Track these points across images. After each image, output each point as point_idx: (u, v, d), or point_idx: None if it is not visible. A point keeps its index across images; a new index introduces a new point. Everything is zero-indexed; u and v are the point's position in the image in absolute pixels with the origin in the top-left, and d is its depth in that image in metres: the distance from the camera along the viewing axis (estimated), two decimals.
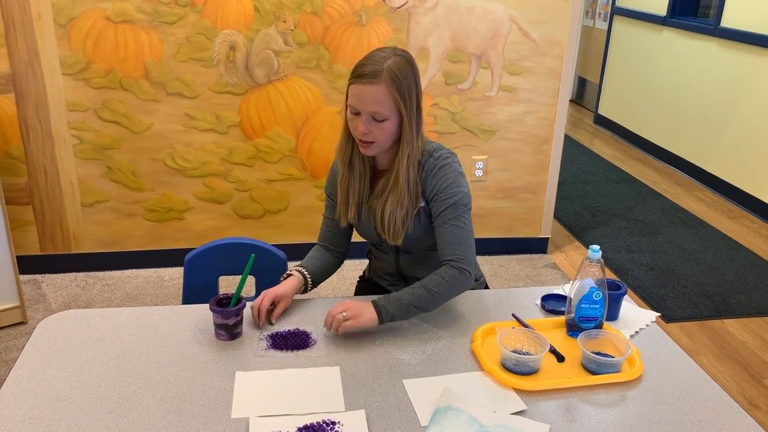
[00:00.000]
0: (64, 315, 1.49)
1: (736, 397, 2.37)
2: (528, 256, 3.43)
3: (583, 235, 3.72)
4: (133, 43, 2.77)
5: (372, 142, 1.47)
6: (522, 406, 1.22)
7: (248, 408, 1.20)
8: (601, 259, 1.41)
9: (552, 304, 1.58)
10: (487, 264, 3.29)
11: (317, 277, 1.61)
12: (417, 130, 1.50)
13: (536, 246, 3.45)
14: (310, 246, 1.70)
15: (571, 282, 1.45)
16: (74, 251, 3.06)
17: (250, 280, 1.67)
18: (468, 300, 1.58)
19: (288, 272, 1.57)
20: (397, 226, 1.53)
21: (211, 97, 2.91)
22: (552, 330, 1.48)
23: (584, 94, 6.81)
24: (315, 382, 1.28)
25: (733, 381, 2.47)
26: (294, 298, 1.55)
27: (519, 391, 1.27)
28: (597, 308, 1.42)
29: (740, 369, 2.55)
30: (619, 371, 1.33)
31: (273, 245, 1.84)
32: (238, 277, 1.46)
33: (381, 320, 1.42)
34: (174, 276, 3.08)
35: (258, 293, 1.81)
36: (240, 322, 1.41)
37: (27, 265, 2.99)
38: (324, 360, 1.35)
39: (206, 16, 2.78)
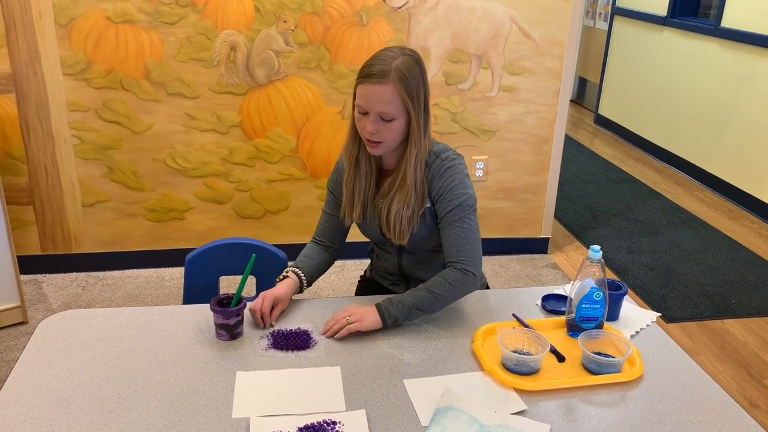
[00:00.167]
0: (64, 315, 1.49)
1: (737, 397, 2.38)
2: (528, 256, 3.43)
3: (583, 235, 3.72)
4: (134, 44, 2.77)
5: (380, 142, 1.47)
6: (522, 406, 1.22)
7: (249, 408, 1.20)
8: (602, 259, 1.41)
9: (552, 304, 1.58)
10: (487, 264, 3.30)
11: (312, 277, 1.62)
12: (425, 129, 1.50)
13: (537, 246, 3.45)
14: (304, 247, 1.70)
15: (572, 282, 1.45)
16: (75, 251, 3.06)
17: (251, 280, 1.67)
18: (469, 300, 1.58)
19: (284, 274, 1.57)
20: (403, 226, 1.53)
21: (211, 98, 2.91)
22: (552, 330, 1.48)
23: (584, 95, 6.81)
24: (316, 382, 1.28)
25: (734, 381, 2.47)
26: (293, 298, 1.55)
27: (519, 391, 1.27)
28: (597, 308, 1.42)
29: (740, 369, 2.55)
30: (619, 371, 1.33)
31: (273, 245, 1.84)
32: (239, 277, 1.46)
33: (384, 323, 1.42)
34: (175, 276, 3.09)
35: (258, 293, 1.81)
36: (241, 322, 1.42)
37: (28, 265, 3.00)
38: (324, 360, 1.35)
39: (207, 16, 2.78)
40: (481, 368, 1.33)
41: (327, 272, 1.71)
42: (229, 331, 1.40)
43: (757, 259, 3.47)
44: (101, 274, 3.08)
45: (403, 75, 1.42)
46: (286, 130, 3.02)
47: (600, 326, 1.44)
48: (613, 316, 1.53)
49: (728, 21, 4.30)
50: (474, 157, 3.20)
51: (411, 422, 1.18)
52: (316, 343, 1.41)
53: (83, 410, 1.18)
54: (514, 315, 1.51)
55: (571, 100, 6.78)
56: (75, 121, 2.84)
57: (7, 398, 1.21)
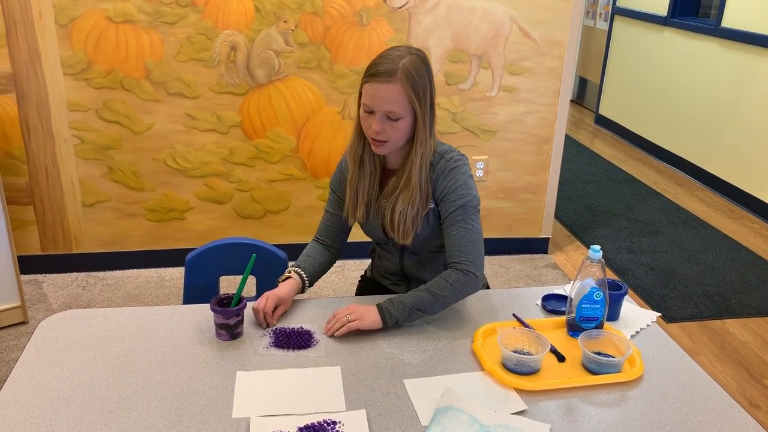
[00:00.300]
0: (65, 315, 1.49)
1: (737, 397, 2.37)
2: (529, 256, 3.43)
3: (583, 235, 3.72)
4: (134, 44, 2.77)
5: (385, 141, 1.47)
6: (523, 406, 1.22)
7: (249, 408, 1.20)
8: (602, 259, 1.41)
9: (553, 304, 1.58)
10: (487, 264, 3.30)
11: (314, 277, 1.62)
12: (430, 129, 1.50)
13: (537, 246, 3.45)
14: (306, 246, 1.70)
15: (572, 282, 1.45)
16: (75, 251, 3.06)
17: (251, 280, 1.67)
18: (469, 300, 1.58)
19: (286, 274, 1.57)
20: (407, 226, 1.53)
21: (211, 97, 2.91)
22: (553, 330, 1.48)
23: (585, 95, 6.81)
24: (316, 382, 1.28)
25: (734, 381, 2.47)
26: (294, 298, 1.56)
27: (520, 391, 1.27)
28: (598, 308, 1.42)
29: (741, 369, 2.55)
30: (619, 371, 1.33)
31: (274, 245, 1.84)
32: (239, 277, 1.46)
33: (385, 324, 1.42)
34: (175, 276, 3.09)
35: (259, 293, 1.82)
36: (241, 322, 1.42)
37: (28, 265, 3.00)
38: (325, 360, 1.35)
39: (207, 16, 2.78)
40: (482, 368, 1.33)
41: (327, 272, 1.71)
42: (229, 331, 1.40)
43: (757, 259, 3.47)
44: (101, 274, 3.08)
45: (410, 74, 1.42)
46: (287, 130, 3.03)
47: (600, 326, 1.44)
48: (613, 316, 1.53)
49: (728, 21, 4.30)
50: (474, 157, 3.20)
51: (411, 422, 1.18)
52: (317, 342, 1.41)
53: (83, 410, 1.18)
54: (514, 315, 1.51)
55: (571, 100, 6.78)
56: (75, 121, 2.85)
57: (7, 398, 1.21)
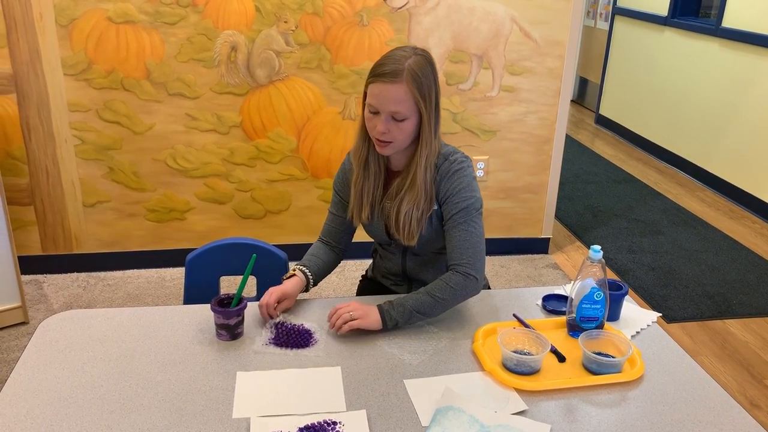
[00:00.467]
0: (65, 315, 1.49)
1: (738, 397, 2.37)
2: (529, 256, 3.43)
3: (584, 235, 3.72)
4: (135, 44, 2.77)
5: (390, 142, 1.47)
6: (523, 407, 1.22)
7: (249, 408, 1.20)
8: (602, 260, 1.41)
9: (553, 304, 1.58)
10: (488, 264, 3.29)
11: (318, 276, 1.62)
12: (435, 130, 1.50)
13: (537, 246, 3.45)
14: (311, 246, 1.70)
15: (572, 282, 1.45)
16: (76, 251, 3.06)
17: (252, 281, 1.67)
18: (469, 300, 1.58)
19: (291, 272, 1.57)
20: (412, 227, 1.53)
21: (212, 98, 2.91)
22: (553, 330, 1.48)
23: (585, 95, 6.80)
24: (316, 382, 1.28)
25: (735, 381, 2.47)
26: (296, 298, 1.56)
27: (520, 392, 1.27)
28: (598, 308, 1.42)
29: (741, 369, 2.54)
30: (620, 371, 1.33)
31: (274, 245, 1.84)
32: (240, 278, 1.46)
33: (385, 326, 1.42)
34: (175, 276, 3.09)
35: (259, 293, 1.82)
36: (241, 322, 1.42)
37: (28, 265, 3.00)
38: (325, 360, 1.35)
39: (207, 16, 2.78)
40: (482, 368, 1.33)
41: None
42: (229, 331, 1.40)
43: (758, 259, 3.46)
44: (102, 274, 3.08)
45: (416, 74, 1.42)
46: (287, 130, 3.03)
47: (600, 326, 1.44)
48: (613, 316, 1.53)
49: (729, 21, 4.30)
50: (475, 158, 3.20)
51: (411, 422, 1.18)
52: (316, 342, 1.41)
53: (84, 410, 1.18)
54: (514, 315, 1.51)
55: (572, 100, 6.79)
56: (76, 121, 2.85)
57: (7, 398, 1.21)
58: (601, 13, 6.20)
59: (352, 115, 3.04)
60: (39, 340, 1.39)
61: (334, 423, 1.16)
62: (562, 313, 1.53)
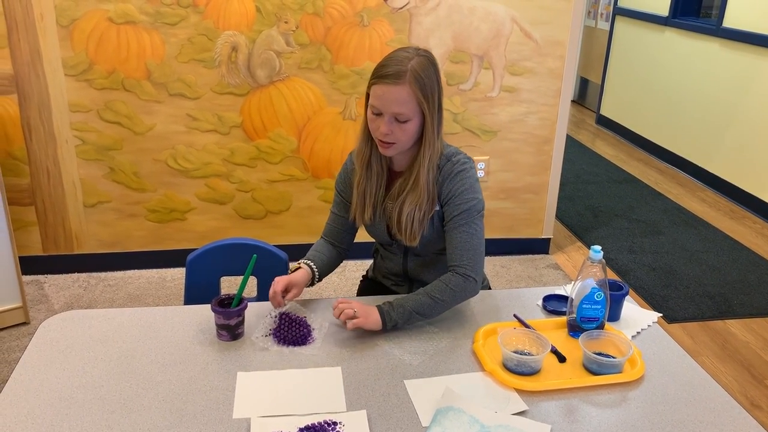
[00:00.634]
0: (66, 315, 1.49)
1: (738, 397, 2.37)
2: (530, 256, 3.43)
3: (585, 235, 3.72)
4: (135, 44, 2.77)
5: (393, 143, 1.47)
6: (523, 407, 1.22)
7: (250, 408, 1.20)
8: (603, 260, 1.41)
9: (553, 304, 1.58)
10: (489, 264, 3.29)
11: (323, 271, 1.62)
12: (438, 131, 1.50)
13: (538, 246, 3.45)
14: (311, 246, 1.70)
15: (573, 282, 1.45)
16: (76, 252, 3.06)
17: (252, 281, 1.67)
18: (470, 300, 1.58)
19: (296, 265, 1.57)
20: (415, 228, 1.53)
21: (212, 98, 2.91)
22: (553, 330, 1.48)
23: (586, 95, 6.80)
24: (316, 383, 1.28)
25: (735, 381, 2.47)
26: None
27: (520, 392, 1.27)
28: (598, 309, 1.42)
29: (742, 369, 2.54)
30: (620, 372, 1.33)
31: (275, 246, 1.84)
32: (240, 278, 1.46)
33: (384, 326, 1.42)
34: (176, 276, 3.09)
35: (260, 294, 1.82)
36: (242, 322, 1.42)
37: (29, 265, 3.00)
38: (325, 360, 1.35)
39: (208, 17, 2.78)
40: (482, 369, 1.33)
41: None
42: (230, 331, 1.40)
43: (759, 260, 3.46)
44: (103, 274, 3.09)
45: (418, 76, 1.42)
46: (288, 130, 3.03)
47: (601, 327, 1.44)
48: (614, 316, 1.53)
49: (730, 21, 4.30)
50: (475, 158, 3.20)
51: (412, 423, 1.18)
52: (314, 340, 1.41)
53: (84, 410, 1.18)
54: (515, 315, 1.51)
55: (572, 101, 6.78)
56: (77, 121, 2.85)
57: (8, 398, 1.21)
58: (601, 14, 6.20)
59: (353, 115, 3.04)
60: (40, 340, 1.39)
61: (335, 423, 1.16)
62: (563, 313, 1.53)
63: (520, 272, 3.26)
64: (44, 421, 1.15)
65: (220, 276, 1.84)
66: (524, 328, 1.44)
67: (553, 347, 1.37)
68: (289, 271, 1.55)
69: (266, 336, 1.41)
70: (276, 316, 1.45)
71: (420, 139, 1.50)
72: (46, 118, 2.82)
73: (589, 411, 1.23)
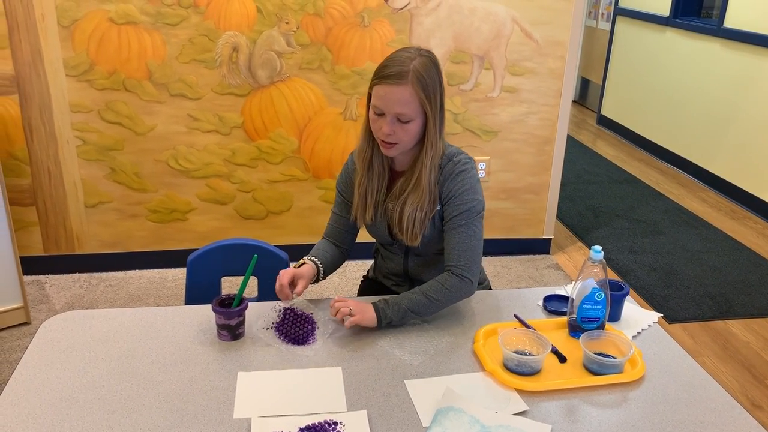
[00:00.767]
0: (67, 315, 1.49)
1: (739, 397, 2.37)
2: (530, 256, 3.43)
3: (585, 235, 3.72)
4: (136, 45, 2.78)
5: (395, 143, 1.47)
6: (524, 407, 1.22)
7: (250, 408, 1.20)
8: (603, 260, 1.41)
9: (554, 304, 1.58)
10: (489, 265, 3.29)
11: (327, 268, 1.61)
12: (440, 131, 1.50)
13: (539, 247, 3.45)
14: (312, 247, 1.70)
15: (574, 283, 1.45)
16: (78, 252, 3.07)
17: (253, 281, 1.68)
18: (470, 301, 1.58)
19: (301, 261, 1.56)
20: (416, 228, 1.53)
21: (213, 99, 2.91)
22: (554, 331, 1.48)
23: (587, 95, 6.80)
24: (317, 383, 1.28)
25: (736, 382, 2.47)
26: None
27: (521, 392, 1.27)
28: (599, 309, 1.42)
29: (743, 370, 2.54)
30: (621, 372, 1.33)
31: (275, 246, 1.84)
32: (241, 278, 1.46)
33: (379, 323, 1.43)
34: (177, 277, 3.09)
35: (260, 294, 1.82)
36: (242, 322, 1.42)
37: (31, 265, 3.00)
38: (326, 360, 1.35)
39: (209, 17, 2.79)
40: (483, 369, 1.33)
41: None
42: (230, 331, 1.40)
43: (759, 260, 3.46)
44: (104, 274, 3.09)
45: (421, 76, 1.42)
46: (288, 131, 3.03)
47: (601, 327, 1.44)
48: (614, 316, 1.53)
49: (731, 21, 4.30)
50: (476, 158, 3.19)
51: (412, 423, 1.18)
52: (314, 341, 1.41)
53: (85, 410, 1.18)
54: (515, 315, 1.51)
55: (573, 101, 6.79)
56: (78, 122, 2.85)
57: (9, 398, 1.21)
58: (602, 14, 6.20)
59: (354, 115, 3.05)
60: (41, 340, 1.40)
61: (335, 423, 1.16)
62: (563, 313, 1.53)
63: (520, 272, 3.26)
64: (45, 421, 1.16)
65: (220, 276, 1.84)
66: (525, 328, 1.44)
67: (553, 347, 1.37)
68: (295, 266, 1.54)
69: (267, 329, 1.41)
70: (281, 311, 1.45)
71: (422, 139, 1.50)
72: (47, 119, 2.82)
73: (590, 411, 1.23)
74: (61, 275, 3.07)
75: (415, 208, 1.52)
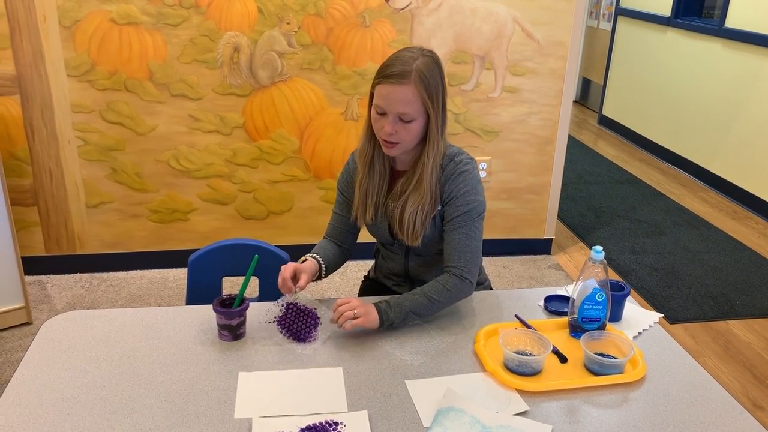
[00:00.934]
0: (68, 316, 1.50)
1: (740, 398, 2.37)
2: (531, 257, 3.43)
3: (586, 236, 3.72)
4: (138, 45, 2.78)
5: (397, 143, 1.47)
6: (524, 407, 1.22)
7: (251, 408, 1.20)
8: (604, 260, 1.40)
9: (555, 305, 1.58)
10: (490, 265, 3.29)
11: (329, 265, 1.61)
12: (442, 131, 1.50)
13: (540, 247, 3.45)
14: (313, 247, 1.70)
15: (574, 283, 1.45)
16: (79, 252, 3.07)
17: (254, 281, 1.68)
18: (471, 301, 1.58)
19: (303, 258, 1.56)
20: (417, 228, 1.53)
21: (215, 99, 2.92)
22: (555, 331, 1.48)
23: (588, 95, 6.80)
24: (318, 383, 1.28)
25: (737, 382, 2.46)
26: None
27: (521, 392, 1.27)
28: (600, 309, 1.41)
29: (744, 370, 2.54)
30: (621, 372, 1.33)
31: (276, 246, 1.85)
32: (242, 278, 1.46)
33: (381, 324, 1.42)
34: (178, 277, 3.09)
35: (261, 294, 1.82)
36: (243, 322, 1.42)
37: (32, 266, 3.01)
38: (327, 360, 1.35)
39: (210, 17, 2.79)
40: (483, 369, 1.33)
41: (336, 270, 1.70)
42: (231, 331, 1.40)
43: (761, 260, 3.46)
44: (105, 275, 3.09)
45: (423, 76, 1.42)
46: (289, 131, 3.03)
47: (602, 327, 1.44)
48: (615, 317, 1.53)
49: (732, 21, 4.29)
50: (477, 158, 3.19)
51: (413, 423, 1.18)
52: (316, 338, 1.41)
53: (86, 410, 1.19)
54: (516, 316, 1.51)
55: (574, 101, 6.79)
56: (79, 122, 2.86)
57: (11, 398, 1.21)
58: (603, 14, 6.19)
59: (355, 116, 3.05)
60: (42, 340, 1.40)
61: (336, 423, 1.16)
62: (564, 313, 1.53)
63: (521, 272, 3.26)
64: (46, 421, 1.16)
65: (221, 276, 1.85)
66: (525, 328, 1.44)
67: (554, 348, 1.37)
68: (298, 263, 1.54)
69: (270, 323, 1.42)
70: (283, 305, 1.45)
71: (423, 139, 1.50)
72: (48, 119, 2.82)
73: (591, 411, 1.23)
74: (63, 275, 3.07)
75: (416, 208, 1.52)
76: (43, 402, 1.21)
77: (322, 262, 1.57)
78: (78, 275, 3.08)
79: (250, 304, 1.46)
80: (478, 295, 1.62)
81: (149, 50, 2.79)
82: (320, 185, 3.15)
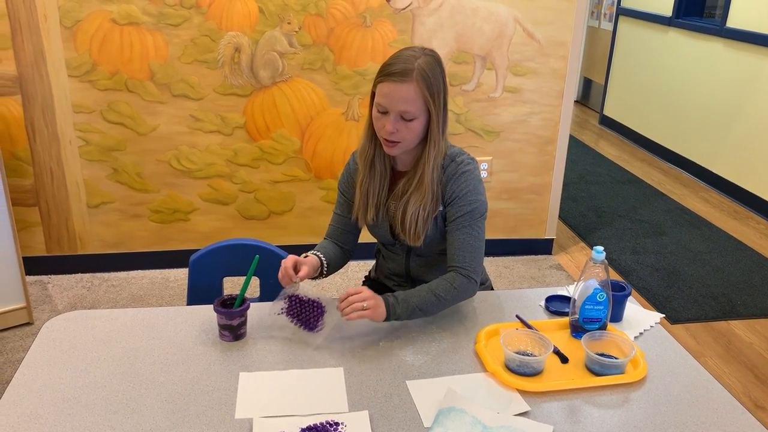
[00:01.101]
0: (69, 316, 1.50)
1: (742, 398, 2.37)
2: (532, 257, 3.43)
3: (588, 236, 3.71)
4: (139, 45, 2.78)
5: (398, 142, 1.47)
6: (525, 408, 1.22)
7: (252, 408, 1.20)
8: (605, 260, 1.40)
9: (556, 305, 1.58)
10: (491, 265, 3.29)
11: (331, 264, 1.60)
12: (443, 130, 1.50)
13: (541, 247, 3.45)
14: (314, 247, 1.70)
15: (576, 283, 1.45)
16: (80, 252, 3.07)
17: (255, 282, 1.68)
18: (472, 301, 1.58)
19: (305, 255, 1.55)
20: (419, 227, 1.53)
21: (216, 99, 2.92)
22: (556, 331, 1.47)
23: (589, 95, 6.80)
24: (318, 383, 1.28)
25: (739, 382, 2.46)
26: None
27: (522, 393, 1.27)
28: (601, 309, 1.41)
29: (746, 370, 2.54)
30: (623, 373, 1.32)
31: (277, 246, 1.84)
32: (243, 278, 1.46)
33: (387, 319, 1.42)
34: (179, 277, 3.09)
35: (262, 294, 1.82)
36: (244, 323, 1.42)
37: (33, 266, 3.01)
38: (327, 361, 1.35)
39: (211, 17, 2.79)
40: (484, 369, 1.33)
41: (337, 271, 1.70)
42: (232, 332, 1.40)
43: (762, 260, 3.45)
44: (106, 275, 3.09)
45: (425, 74, 1.42)
46: (290, 131, 3.03)
47: (603, 327, 1.43)
48: (617, 317, 1.53)
49: (733, 21, 4.29)
50: (478, 158, 3.20)
51: (414, 423, 1.18)
52: (323, 326, 1.43)
53: (87, 411, 1.19)
54: (517, 316, 1.51)
55: (576, 101, 6.78)
56: (80, 122, 2.86)
57: (12, 398, 1.21)
58: (605, 14, 6.19)
59: (356, 116, 3.05)
60: (43, 340, 1.40)
61: (337, 424, 1.16)
62: (565, 314, 1.52)
63: (522, 273, 3.26)
64: (47, 421, 1.16)
65: (222, 276, 1.85)
66: (527, 328, 1.44)
67: (555, 348, 1.37)
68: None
69: (278, 314, 1.44)
70: (287, 298, 1.45)
71: (424, 139, 1.50)
72: (49, 119, 2.83)
73: (592, 412, 1.22)
74: (64, 275, 3.07)
75: (418, 208, 1.52)
76: (44, 402, 1.21)
77: (323, 259, 1.57)
78: (79, 275, 3.08)
79: (251, 304, 1.46)
80: (479, 296, 1.61)
81: (150, 50, 2.80)
82: (321, 185, 3.15)
